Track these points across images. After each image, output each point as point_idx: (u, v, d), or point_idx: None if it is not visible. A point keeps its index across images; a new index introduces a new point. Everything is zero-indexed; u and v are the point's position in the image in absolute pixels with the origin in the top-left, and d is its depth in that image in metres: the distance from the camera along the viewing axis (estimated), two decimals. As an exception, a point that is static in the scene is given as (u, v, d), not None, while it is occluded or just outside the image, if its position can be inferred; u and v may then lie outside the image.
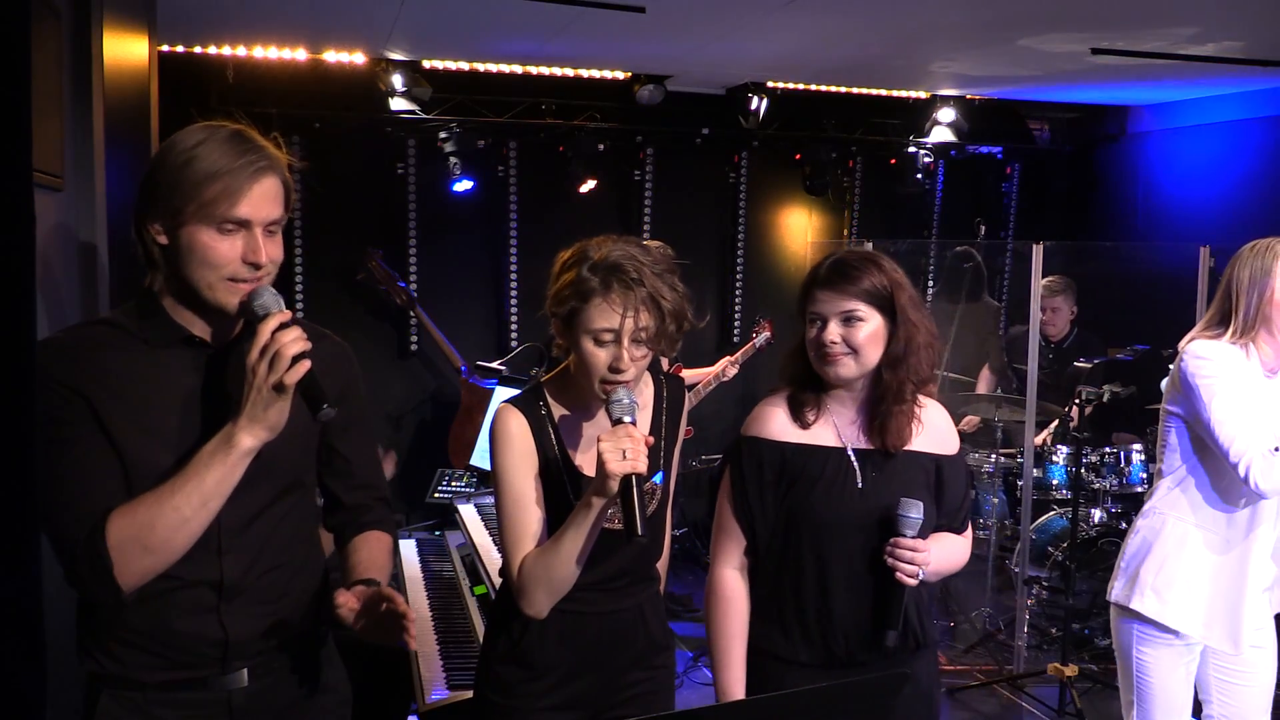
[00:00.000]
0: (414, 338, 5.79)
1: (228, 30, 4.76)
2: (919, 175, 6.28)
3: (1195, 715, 2.67)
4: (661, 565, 2.08)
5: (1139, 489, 4.56)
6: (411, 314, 5.52)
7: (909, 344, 1.94)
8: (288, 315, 1.51)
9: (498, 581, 2.04)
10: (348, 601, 1.57)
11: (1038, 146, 6.74)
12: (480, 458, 3.75)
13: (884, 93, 6.03)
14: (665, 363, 2.22)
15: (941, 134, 6.17)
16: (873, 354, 1.93)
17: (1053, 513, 4.79)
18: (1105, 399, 4.29)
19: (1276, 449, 2.35)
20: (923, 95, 6.08)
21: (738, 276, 6.37)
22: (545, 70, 5.51)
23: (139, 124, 2.80)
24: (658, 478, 1.94)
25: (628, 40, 4.74)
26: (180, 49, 4.93)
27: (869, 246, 4.77)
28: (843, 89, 5.95)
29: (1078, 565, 4.16)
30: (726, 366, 4.60)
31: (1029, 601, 4.59)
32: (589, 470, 1.85)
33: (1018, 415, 4.67)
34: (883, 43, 4.77)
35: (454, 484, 4.06)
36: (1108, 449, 4.68)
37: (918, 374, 1.96)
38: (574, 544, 1.77)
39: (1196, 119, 6.04)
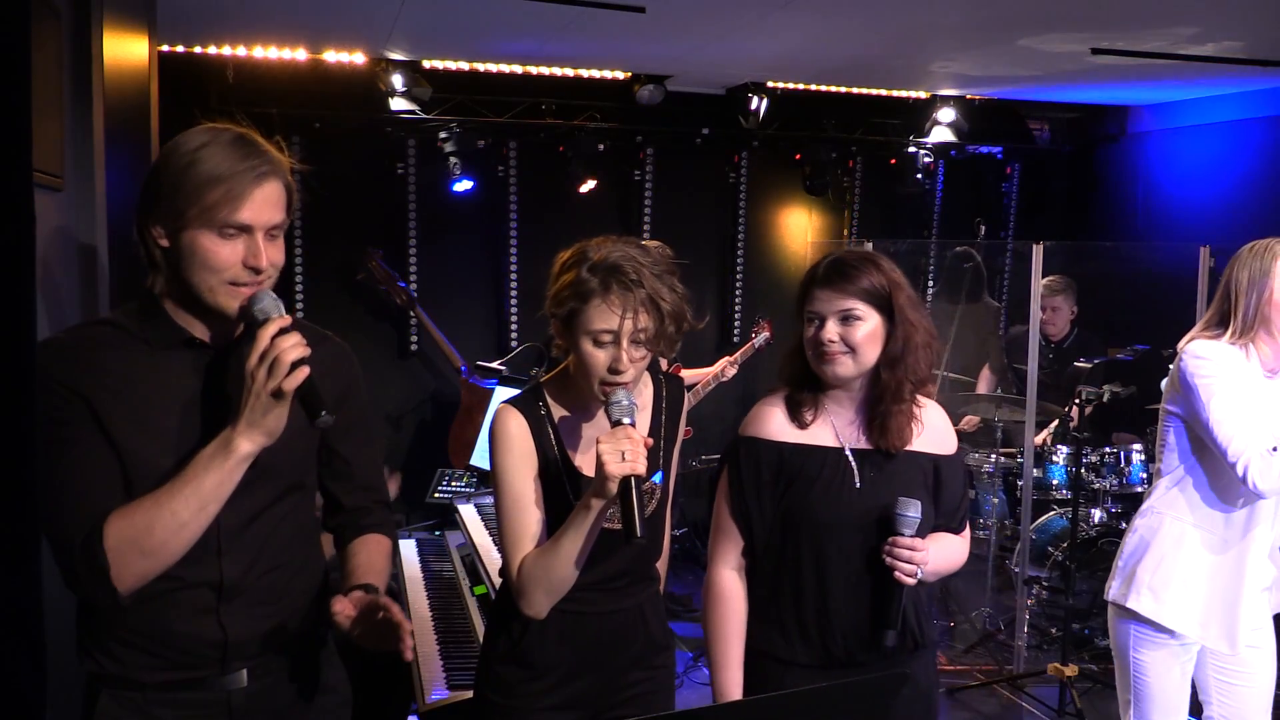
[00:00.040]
0: (414, 338, 5.78)
1: (228, 30, 4.76)
2: (919, 175, 6.27)
3: (1196, 716, 2.67)
4: (661, 565, 2.08)
5: (1139, 489, 4.55)
6: (411, 314, 5.52)
7: (907, 343, 1.94)
8: (287, 320, 1.51)
9: (498, 581, 2.04)
10: (344, 609, 1.56)
11: (1038, 146, 6.73)
12: (480, 458, 3.75)
13: (884, 93, 6.03)
14: (664, 363, 2.22)
15: (941, 134, 6.16)
16: (870, 353, 1.93)
17: (1053, 513, 4.79)
18: (1105, 399, 4.29)
19: (1275, 449, 2.35)
20: (923, 95, 6.07)
21: (737, 276, 6.37)
22: (545, 70, 5.50)
23: (139, 124, 2.80)
24: (657, 477, 1.94)
25: (628, 40, 4.74)
26: (180, 49, 4.93)
27: (869, 246, 4.77)
28: (843, 89, 5.95)
29: (1078, 565, 4.16)
30: (726, 367, 4.61)
31: (1029, 601, 4.59)
32: (588, 471, 1.85)
33: (1018, 415, 4.67)
34: (883, 43, 4.76)
35: (454, 484, 4.06)
36: (1108, 449, 4.68)
37: (916, 374, 1.96)
38: (573, 545, 1.77)
39: (1196, 119, 6.03)
